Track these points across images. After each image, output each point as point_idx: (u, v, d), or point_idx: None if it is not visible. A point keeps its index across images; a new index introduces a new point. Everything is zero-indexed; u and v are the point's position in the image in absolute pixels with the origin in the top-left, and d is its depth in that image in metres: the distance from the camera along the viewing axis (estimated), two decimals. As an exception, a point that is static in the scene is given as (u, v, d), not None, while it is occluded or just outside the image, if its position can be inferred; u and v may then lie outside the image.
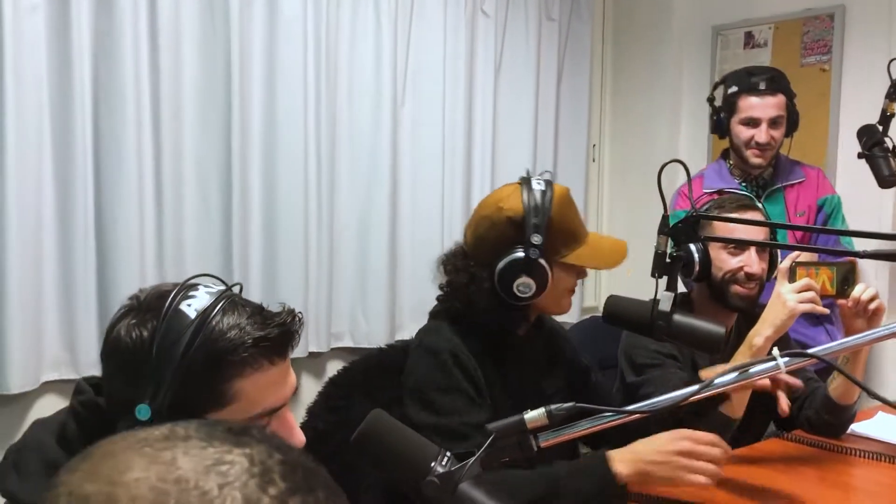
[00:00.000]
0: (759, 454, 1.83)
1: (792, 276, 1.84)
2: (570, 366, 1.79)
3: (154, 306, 0.95)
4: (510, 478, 1.41)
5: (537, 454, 1.08)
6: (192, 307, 0.95)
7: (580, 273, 1.60)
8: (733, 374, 1.02)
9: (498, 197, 1.56)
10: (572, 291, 1.62)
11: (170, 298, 0.95)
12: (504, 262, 1.49)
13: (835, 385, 1.96)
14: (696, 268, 1.90)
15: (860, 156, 2.41)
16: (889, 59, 2.34)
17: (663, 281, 1.37)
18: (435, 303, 1.70)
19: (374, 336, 3.00)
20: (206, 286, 0.99)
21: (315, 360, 2.92)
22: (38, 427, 1.01)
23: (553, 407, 1.03)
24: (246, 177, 2.68)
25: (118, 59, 2.40)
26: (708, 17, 3.50)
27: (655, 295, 1.37)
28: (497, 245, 1.51)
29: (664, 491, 1.50)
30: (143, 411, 0.91)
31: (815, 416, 1.99)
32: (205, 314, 0.94)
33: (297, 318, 1.01)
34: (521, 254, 1.48)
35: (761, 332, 1.82)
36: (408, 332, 3.03)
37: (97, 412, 0.96)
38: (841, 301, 1.83)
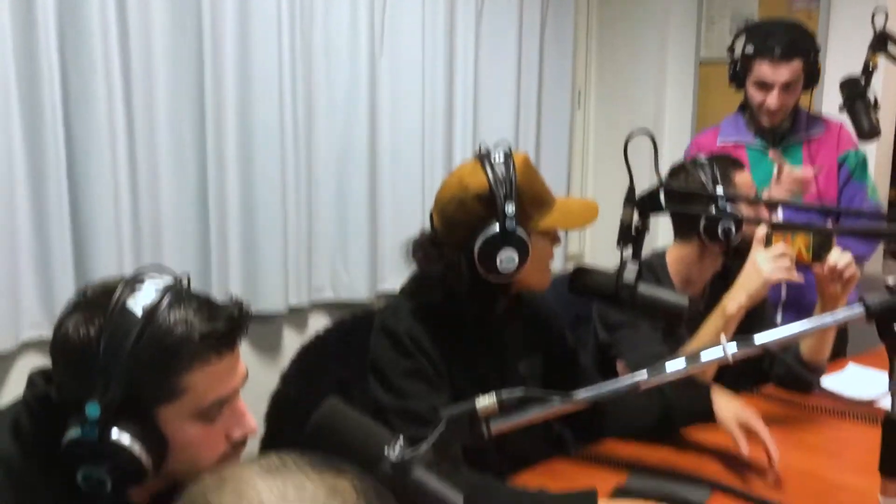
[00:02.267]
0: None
1: (767, 242, 1.84)
2: (554, 347, 1.76)
3: (100, 303, 0.95)
4: (493, 487, 1.40)
5: (510, 436, 1.07)
6: (138, 303, 0.95)
7: (555, 240, 1.58)
8: (682, 363, 1.03)
9: (459, 176, 1.51)
10: (550, 261, 1.60)
11: (116, 294, 0.95)
12: (482, 238, 1.44)
13: (805, 344, 1.98)
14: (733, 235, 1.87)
15: (842, 108, 2.38)
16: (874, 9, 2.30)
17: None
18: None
19: (356, 287, 2.96)
20: (151, 278, 0.99)
21: (296, 315, 2.88)
22: (-8, 421, 1.02)
23: (503, 393, 1.04)
24: (221, 132, 2.61)
25: (86, 30, 2.30)
26: (696, -39, 3.42)
27: (620, 266, 1.37)
28: (469, 224, 1.46)
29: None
30: (93, 409, 0.92)
31: (786, 374, 2.03)
32: (151, 311, 0.94)
33: (244, 311, 1.01)
34: (497, 227, 1.44)
35: (735, 299, 1.83)
36: (389, 282, 3.01)
37: (49, 406, 0.97)
38: (816, 267, 1.84)
